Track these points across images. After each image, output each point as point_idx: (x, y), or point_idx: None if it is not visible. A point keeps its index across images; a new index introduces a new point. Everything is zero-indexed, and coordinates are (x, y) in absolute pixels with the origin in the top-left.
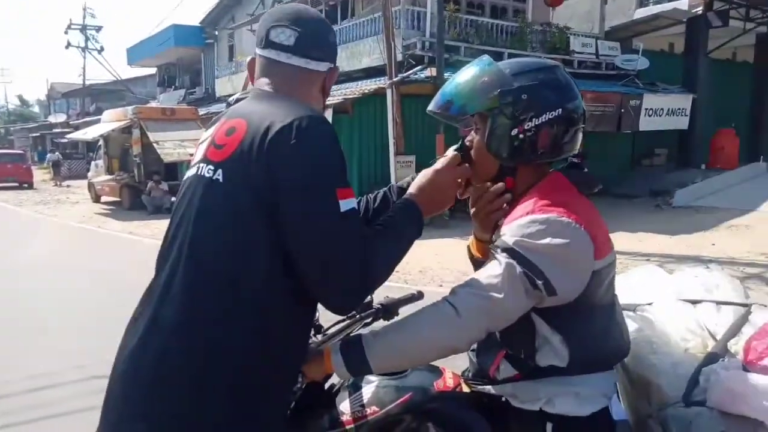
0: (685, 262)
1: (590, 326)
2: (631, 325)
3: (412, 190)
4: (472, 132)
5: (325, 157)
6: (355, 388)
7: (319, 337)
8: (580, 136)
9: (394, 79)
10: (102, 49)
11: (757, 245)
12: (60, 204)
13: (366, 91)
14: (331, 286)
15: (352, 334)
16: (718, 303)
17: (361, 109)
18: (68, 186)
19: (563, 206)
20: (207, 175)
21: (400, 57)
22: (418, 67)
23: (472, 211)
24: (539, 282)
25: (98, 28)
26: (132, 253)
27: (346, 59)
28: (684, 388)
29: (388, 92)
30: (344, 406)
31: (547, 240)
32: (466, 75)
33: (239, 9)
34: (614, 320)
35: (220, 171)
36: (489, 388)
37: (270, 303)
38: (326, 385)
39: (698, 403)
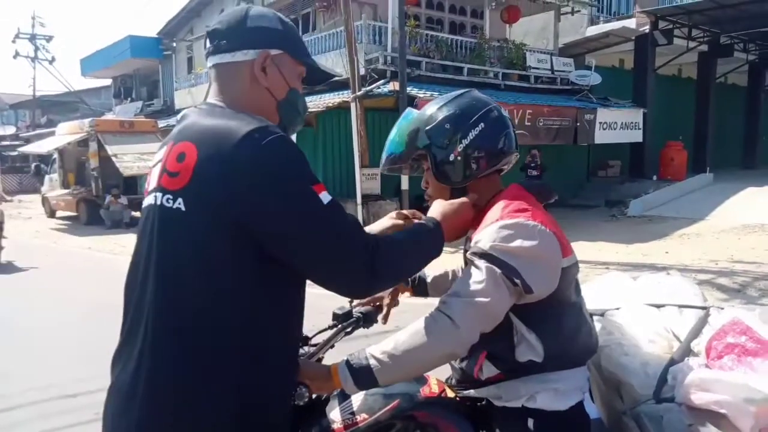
0: (642, 269)
1: (562, 324)
2: (602, 329)
3: (433, 216)
4: (425, 175)
5: (288, 160)
6: (344, 396)
7: (306, 348)
8: (513, 138)
9: (358, 93)
10: (53, 59)
11: (706, 252)
12: (11, 219)
13: (330, 105)
14: (339, 275)
15: (357, 352)
16: (680, 306)
17: (325, 122)
18: (19, 201)
19: (527, 211)
20: (167, 204)
21: (362, 71)
22: (381, 81)
23: None
24: (517, 281)
25: (48, 38)
26: (91, 269)
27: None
28: (654, 386)
29: (352, 106)
30: (334, 414)
31: (518, 242)
32: (396, 130)
33: (198, 21)
34: (583, 319)
35: (180, 200)
36: (473, 392)
37: (251, 324)
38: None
39: (667, 399)
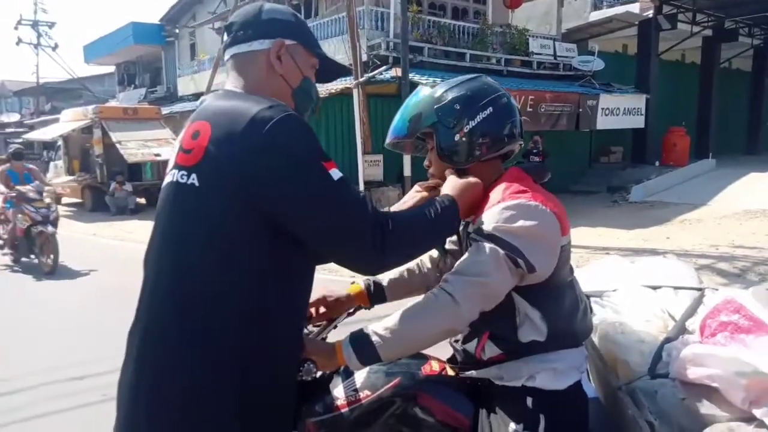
0: (642, 254)
1: (561, 303)
2: (600, 310)
3: (448, 193)
4: (428, 154)
5: (299, 138)
6: (348, 374)
7: (310, 327)
8: (519, 127)
9: (360, 79)
10: (56, 46)
11: (707, 238)
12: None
13: (333, 91)
14: (350, 249)
15: (359, 329)
16: (676, 288)
17: (327, 108)
18: None
19: (527, 192)
20: (182, 180)
21: (365, 57)
22: (384, 67)
23: None
24: (520, 261)
25: (51, 24)
26: (99, 254)
27: None
28: (649, 363)
29: (355, 92)
30: (338, 392)
31: (520, 222)
32: (406, 106)
33: (200, 7)
34: (579, 298)
35: (194, 175)
36: (473, 372)
37: (258, 299)
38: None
39: (662, 375)
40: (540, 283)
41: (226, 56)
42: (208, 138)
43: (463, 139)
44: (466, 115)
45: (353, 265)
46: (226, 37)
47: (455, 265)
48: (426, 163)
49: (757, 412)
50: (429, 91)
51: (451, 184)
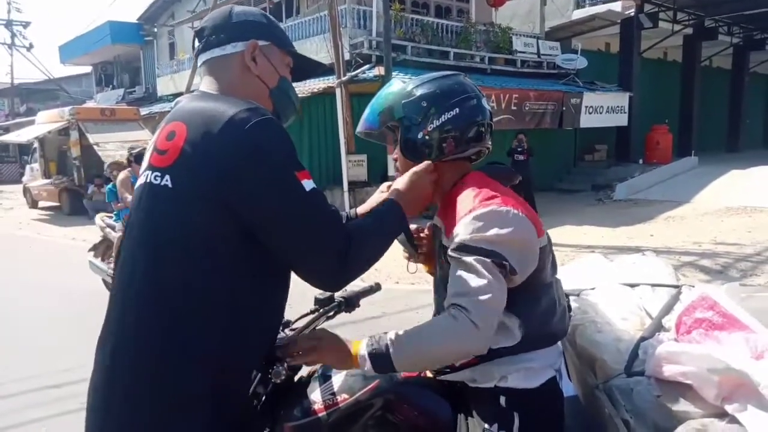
0: (627, 252)
1: (538, 306)
2: (577, 309)
3: (392, 194)
4: (395, 149)
5: (276, 143)
6: (325, 378)
7: (287, 331)
8: (488, 133)
9: (343, 78)
10: (31, 46)
11: (691, 235)
12: None
13: (315, 90)
14: (312, 263)
15: (378, 337)
16: (654, 285)
17: (310, 107)
18: (0, 191)
19: (496, 198)
20: (155, 182)
21: (347, 56)
22: (366, 66)
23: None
24: (505, 263)
25: (26, 24)
26: (75, 259)
27: None
28: (625, 361)
29: (337, 91)
30: (315, 396)
31: (495, 231)
32: (378, 98)
33: (179, 6)
34: (557, 300)
35: (168, 177)
36: (448, 376)
37: (233, 300)
38: (296, 378)
39: (638, 373)
40: (518, 287)
41: (199, 62)
42: (183, 139)
43: (427, 137)
44: (432, 113)
45: (316, 278)
46: (197, 43)
47: (450, 286)
48: (393, 156)
49: (729, 408)
50: (401, 85)
51: (398, 182)
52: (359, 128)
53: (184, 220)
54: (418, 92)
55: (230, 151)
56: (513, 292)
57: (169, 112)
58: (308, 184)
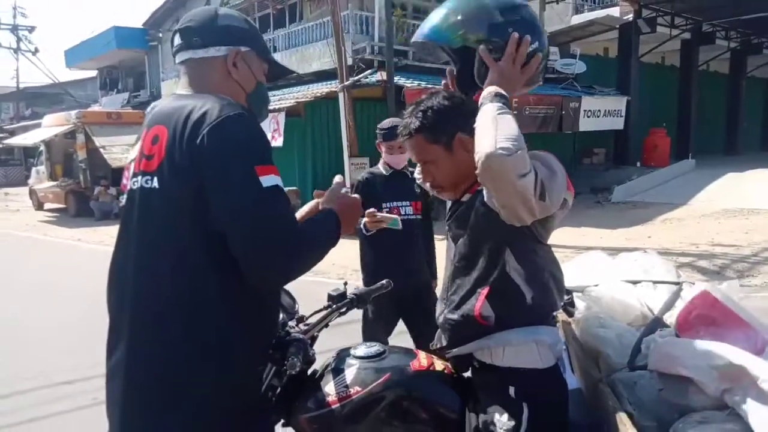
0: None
1: (541, 265)
2: (581, 304)
3: (328, 205)
4: (425, 167)
5: (240, 136)
6: (338, 371)
7: (301, 326)
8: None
9: (346, 83)
10: (36, 50)
11: (688, 236)
12: None
13: (318, 95)
14: (254, 259)
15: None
16: (655, 282)
17: (313, 111)
18: (5, 194)
19: None
20: (146, 186)
21: (350, 61)
22: (369, 71)
23: None
24: (539, 183)
25: (31, 29)
26: (81, 261)
27: (297, 63)
28: (628, 356)
29: (340, 96)
30: (329, 388)
31: (543, 153)
32: (447, 9)
33: (183, 11)
34: (556, 267)
35: (155, 179)
36: (457, 351)
37: (225, 296)
38: (309, 371)
39: (641, 367)
40: (528, 239)
41: (179, 59)
42: (166, 140)
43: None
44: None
45: (260, 273)
46: (178, 39)
47: None
48: (424, 177)
49: (730, 401)
50: (480, 1)
51: (333, 203)
52: (416, 38)
53: (174, 219)
54: (503, 18)
55: (200, 145)
56: (522, 245)
57: None
58: (268, 180)
